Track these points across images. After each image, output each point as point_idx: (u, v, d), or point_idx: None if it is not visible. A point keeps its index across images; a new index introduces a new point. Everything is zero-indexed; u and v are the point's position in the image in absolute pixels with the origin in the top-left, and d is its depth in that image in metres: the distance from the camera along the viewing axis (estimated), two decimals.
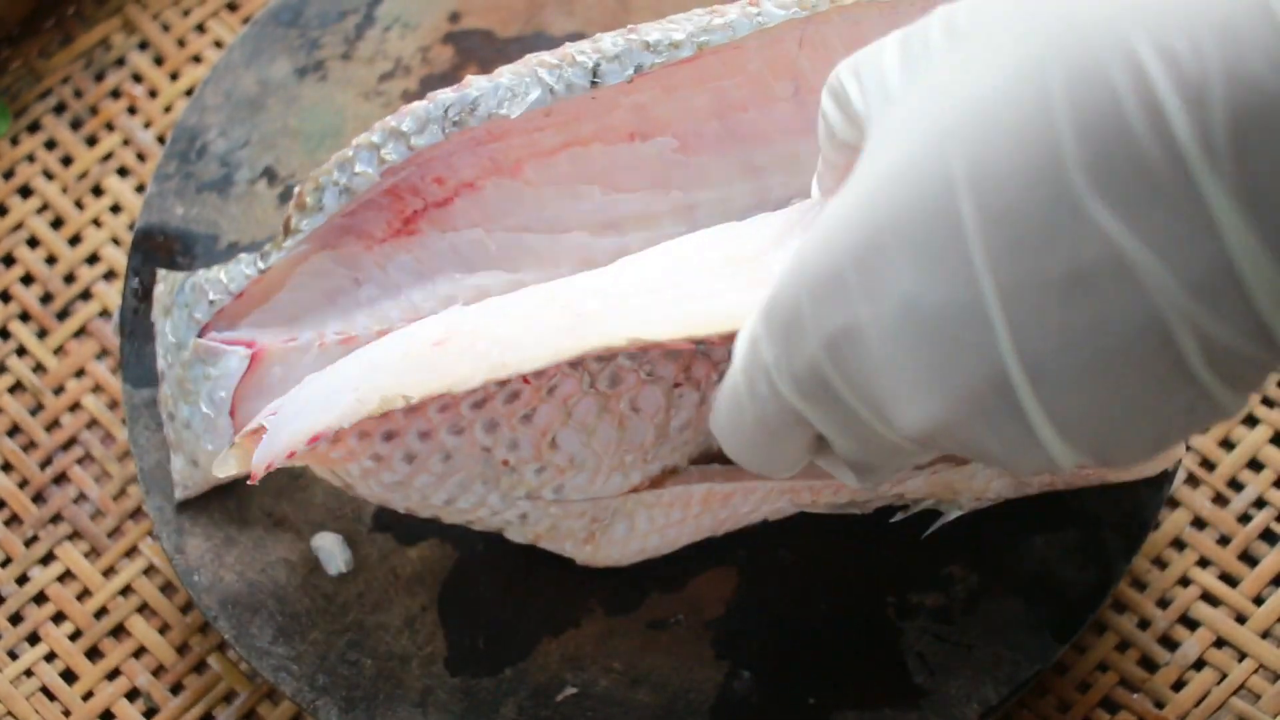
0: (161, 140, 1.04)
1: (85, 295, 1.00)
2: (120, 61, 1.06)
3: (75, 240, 1.02)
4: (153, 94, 1.06)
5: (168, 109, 1.05)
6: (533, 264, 0.87)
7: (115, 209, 1.02)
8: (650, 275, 0.77)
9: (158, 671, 0.92)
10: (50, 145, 1.04)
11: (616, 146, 0.87)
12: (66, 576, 0.94)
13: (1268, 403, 0.94)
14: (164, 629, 0.92)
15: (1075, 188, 0.54)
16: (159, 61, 1.06)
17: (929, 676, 0.83)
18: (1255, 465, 0.93)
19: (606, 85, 0.84)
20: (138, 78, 1.06)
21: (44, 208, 1.03)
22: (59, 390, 0.98)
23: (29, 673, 0.92)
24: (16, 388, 0.98)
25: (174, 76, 1.06)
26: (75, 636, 0.93)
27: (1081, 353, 0.56)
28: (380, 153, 0.84)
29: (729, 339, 0.71)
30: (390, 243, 0.86)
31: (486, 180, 0.86)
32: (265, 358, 0.86)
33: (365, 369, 0.78)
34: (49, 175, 1.04)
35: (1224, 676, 0.88)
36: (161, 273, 0.87)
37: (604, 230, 0.87)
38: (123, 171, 1.04)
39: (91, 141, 1.05)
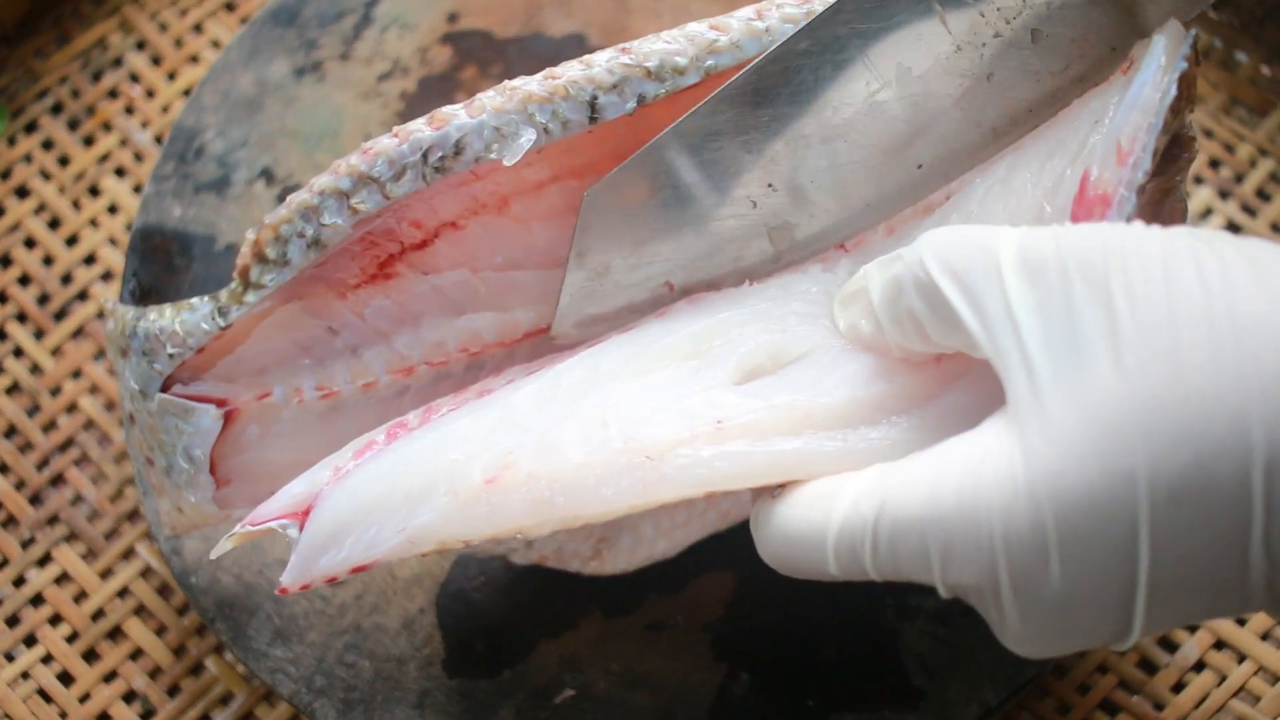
0: (159, 140, 1.04)
1: (82, 296, 1.00)
2: (118, 62, 1.06)
3: (73, 241, 1.02)
4: (150, 94, 1.05)
5: (165, 109, 1.04)
6: (525, 302, 0.83)
7: (113, 209, 1.02)
8: (697, 384, 0.75)
9: (154, 674, 0.91)
10: (48, 145, 1.04)
11: None
12: (64, 579, 0.94)
13: None
14: (161, 631, 0.92)
15: (1253, 559, 0.57)
16: (156, 62, 1.06)
17: (928, 679, 0.83)
18: None
19: (606, 120, 0.78)
20: (135, 78, 1.06)
21: (41, 208, 1.02)
22: (56, 391, 0.98)
23: (25, 675, 0.92)
24: (14, 389, 0.98)
25: (171, 77, 1.06)
26: (72, 639, 0.92)
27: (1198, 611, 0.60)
28: (351, 202, 0.78)
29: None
30: (365, 289, 0.82)
31: (470, 219, 0.82)
32: (240, 417, 0.82)
33: (408, 503, 0.76)
34: (46, 175, 1.03)
35: (1224, 678, 0.88)
36: (109, 305, 0.84)
37: None
38: (120, 172, 1.03)
39: (89, 142, 1.04)
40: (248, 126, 0.98)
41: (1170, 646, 0.89)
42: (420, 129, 0.78)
